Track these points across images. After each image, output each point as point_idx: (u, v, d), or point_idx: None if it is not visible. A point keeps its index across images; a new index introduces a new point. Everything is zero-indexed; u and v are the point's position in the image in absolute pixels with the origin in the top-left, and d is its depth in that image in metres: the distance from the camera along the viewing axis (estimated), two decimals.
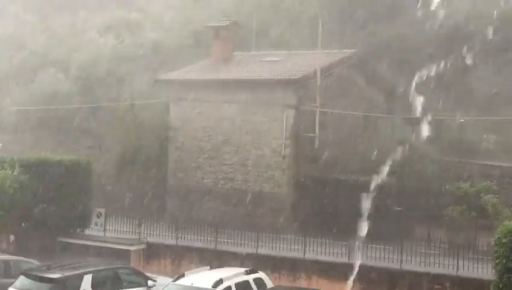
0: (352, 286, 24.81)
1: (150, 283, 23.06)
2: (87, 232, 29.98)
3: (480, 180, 29.96)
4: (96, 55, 41.09)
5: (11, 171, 27.84)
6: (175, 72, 35.67)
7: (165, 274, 25.99)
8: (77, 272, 21.67)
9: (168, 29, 42.65)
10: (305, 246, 26.34)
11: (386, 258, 25.17)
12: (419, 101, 28.49)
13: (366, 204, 27.09)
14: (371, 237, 25.29)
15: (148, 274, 24.05)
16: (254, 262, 26.16)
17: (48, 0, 49.12)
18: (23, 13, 48.04)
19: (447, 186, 30.20)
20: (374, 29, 38.48)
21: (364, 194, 27.68)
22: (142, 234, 29.14)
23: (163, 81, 35.42)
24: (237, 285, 21.56)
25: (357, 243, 25.21)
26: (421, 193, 30.02)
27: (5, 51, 44.63)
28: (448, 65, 34.49)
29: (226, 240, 28.10)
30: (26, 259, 24.44)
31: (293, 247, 26.89)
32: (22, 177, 28.01)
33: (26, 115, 39.13)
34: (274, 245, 27.25)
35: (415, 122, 31.72)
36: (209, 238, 28.27)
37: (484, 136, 34.03)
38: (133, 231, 29.59)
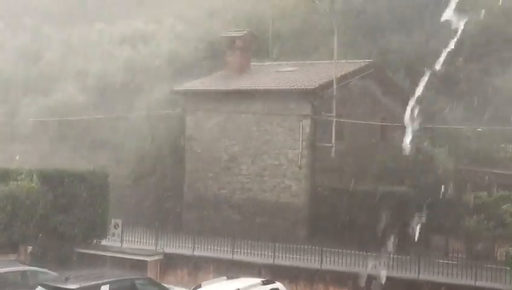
0: None
1: None
2: (104, 242, 30.00)
3: (498, 190, 29.78)
4: (112, 66, 41.29)
5: (28, 183, 27.93)
6: (191, 83, 35.77)
7: (182, 285, 25.95)
8: (94, 282, 21.64)
9: (184, 40, 42.77)
10: (322, 256, 26.24)
11: (403, 269, 25.02)
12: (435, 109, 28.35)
13: (383, 214, 26.96)
14: (386, 246, 25.13)
15: (165, 285, 24.02)
16: (271, 272, 26.06)
17: (64, 12, 49.42)
18: (40, 25, 48.32)
19: (465, 196, 30.04)
20: (390, 38, 38.41)
21: (381, 204, 27.56)
22: (159, 245, 29.15)
23: (180, 91, 35.52)
24: None
25: (373, 253, 25.08)
26: (438, 203, 29.85)
27: (22, 62, 44.89)
28: (466, 74, 34.41)
29: (242, 250, 28.04)
30: (44, 270, 24.46)
31: (310, 257, 26.79)
32: (40, 188, 28.09)
33: (43, 126, 39.32)
34: (291, 255, 27.15)
35: (432, 132, 31.60)
36: (226, 249, 28.20)
37: (502, 145, 33.83)
38: (150, 241, 29.59)
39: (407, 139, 28.32)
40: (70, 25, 47.14)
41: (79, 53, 44.01)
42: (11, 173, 28.74)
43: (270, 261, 26.95)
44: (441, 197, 30.01)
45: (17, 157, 35.71)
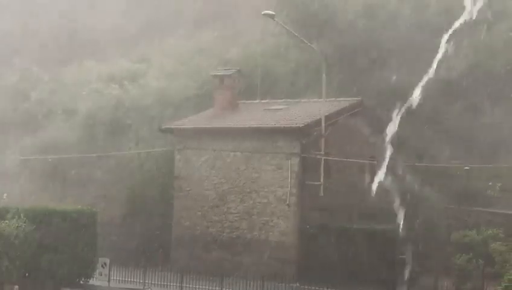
0: None
1: None
2: (91, 282, 29.78)
3: (487, 228, 29.82)
4: (101, 105, 41.32)
5: (16, 221, 27.75)
6: (180, 121, 35.82)
7: None
8: None
9: (173, 78, 42.92)
10: None
11: None
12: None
13: (371, 252, 26.94)
14: (375, 285, 25.09)
15: None
16: None
17: (52, 51, 49.58)
18: (27, 64, 48.45)
19: (453, 234, 30.05)
20: (378, 75, 38.70)
21: (369, 242, 27.54)
22: (147, 284, 28.93)
23: (168, 129, 35.55)
24: None
25: None
26: (427, 241, 29.85)
27: (10, 101, 44.93)
28: (455, 112, 34.61)
29: (231, 289, 27.88)
30: None
31: None
32: (27, 228, 27.91)
33: (30, 164, 39.22)
34: None
35: (420, 169, 31.68)
36: (214, 288, 28.05)
37: (490, 183, 33.95)
38: (138, 280, 29.36)
39: (395, 176, 28.32)
40: (59, 64, 47.27)
41: (68, 91, 44.08)
42: None
43: None
44: (429, 235, 30.04)
45: (4, 196, 35.53)
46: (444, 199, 32.43)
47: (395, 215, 27.67)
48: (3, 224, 27.35)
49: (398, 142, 34.55)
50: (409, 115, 31.04)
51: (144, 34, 48.82)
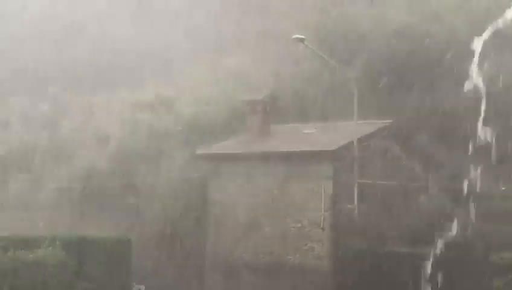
0: None
1: None
2: None
3: None
4: (133, 132, 41.56)
5: (51, 250, 27.95)
6: (212, 146, 35.93)
7: None
8: None
9: (205, 103, 43.07)
10: None
11: None
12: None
13: (407, 275, 26.66)
14: None
15: None
16: None
17: (85, 79, 50.08)
18: (61, 92, 48.97)
19: (491, 256, 29.65)
20: (410, 98, 38.52)
21: (405, 266, 27.27)
22: None
23: (201, 155, 35.65)
24: None
25: None
26: (465, 263, 29.48)
27: (43, 129, 45.37)
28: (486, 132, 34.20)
29: None
30: None
31: None
32: (63, 256, 28.10)
33: (65, 192, 39.49)
34: None
35: (456, 190, 31.37)
36: None
37: None
38: None
39: (430, 200, 28.04)
40: (92, 92, 47.70)
41: (101, 119, 44.42)
42: (35, 240, 28.81)
43: None
44: (467, 257, 29.66)
45: (40, 225, 35.83)
46: (481, 220, 32.03)
47: (432, 238, 27.39)
48: (39, 252, 27.57)
49: (434, 163, 34.36)
50: (444, 136, 30.88)
51: (175, 60, 49.14)
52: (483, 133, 31.46)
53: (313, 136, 34.39)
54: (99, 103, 46.74)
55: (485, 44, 30.32)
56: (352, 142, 32.23)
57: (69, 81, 50.02)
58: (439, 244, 28.31)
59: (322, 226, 31.74)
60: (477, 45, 30.26)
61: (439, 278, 29.04)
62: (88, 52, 51.40)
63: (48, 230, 32.96)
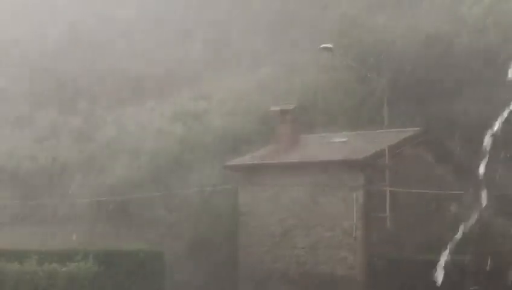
0: None
1: None
2: None
3: None
4: (164, 144, 41.80)
5: (85, 263, 28.13)
6: (243, 158, 35.94)
7: None
8: None
9: (234, 114, 43.23)
10: None
11: None
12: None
13: (443, 285, 26.37)
14: None
15: None
16: None
17: (114, 92, 50.46)
18: (91, 106, 49.42)
19: None
20: (440, 105, 38.29)
21: (439, 274, 26.98)
22: None
23: (232, 166, 35.69)
24: None
25: None
26: (498, 272, 29.14)
27: (75, 143, 45.80)
28: None
29: None
30: None
31: None
32: (96, 269, 28.26)
33: (98, 205, 39.78)
34: None
35: (494, 199, 30.98)
36: None
37: None
38: None
39: (463, 207, 27.62)
40: (123, 105, 48.07)
41: (131, 132, 44.74)
42: (68, 253, 29.03)
43: None
44: (500, 267, 29.31)
45: (74, 238, 36.10)
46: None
47: (467, 246, 27.07)
48: (72, 266, 27.76)
49: (466, 170, 33.97)
50: (473, 144, 30.53)
51: (205, 71, 49.37)
52: None
53: (343, 144, 34.27)
54: (129, 115, 47.09)
55: None
56: (384, 150, 32.07)
57: (99, 94, 50.49)
58: (474, 252, 27.99)
59: (354, 235, 31.59)
60: None
61: (472, 286, 28.74)
62: (118, 65, 51.78)
63: (80, 243, 33.17)
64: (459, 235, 25.25)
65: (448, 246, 26.08)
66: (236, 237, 34.86)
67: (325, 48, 32.81)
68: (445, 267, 26.28)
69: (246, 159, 35.64)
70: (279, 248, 33.57)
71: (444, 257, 25.61)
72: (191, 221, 37.20)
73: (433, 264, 29.68)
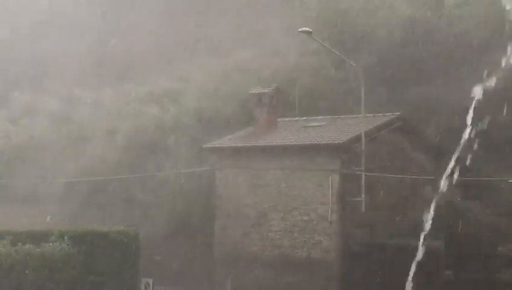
0: None
1: None
2: None
3: None
4: (141, 125, 41.57)
5: (59, 244, 27.99)
6: (220, 140, 35.89)
7: None
8: None
9: (212, 97, 43.08)
10: None
11: None
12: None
13: (416, 269, 26.53)
14: None
15: None
16: None
17: (90, 74, 50.06)
18: (67, 87, 49.01)
19: (499, 248, 29.60)
20: (418, 90, 38.42)
21: (413, 259, 27.11)
22: None
23: (209, 149, 35.65)
24: None
25: None
26: (472, 256, 29.45)
27: (51, 124, 45.44)
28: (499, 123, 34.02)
29: None
30: None
31: None
32: (70, 250, 28.13)
33: (73, 187, 39.54)
34: None
35: (465, 183, 31.19)
36: None
37: None
38: None
39: (438, 191, 27.90)
40: (98, 87, 47.71)
41: (108, 113, 44.45)
42: (43, 234, 28.85)
43: None
44: (474, 250, 29.62)
45: (48, 219, 35.88)
46: (489, 213, 31.97)
47: (439, 231, 27.29)
48: (47, 247, 27.61)
49: (441, 155, 34.17)
50: (449, 129, 30.75)
51: (182, 53, 49.12)
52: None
53: (320, 129, 34.33)
54: (106, 97, 46.78)
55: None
56: (360, 135, 32.17)
57: (76, 75, 50.08)
58: (446, 236, 28.24)
59: (329, 219, 31.72)
60: None
61: (446, 271, 29.02)
62: (94, 46, 51.40)
63: (55, 224, 32.97)
64: (429, 219, 25.42)
65: (422, 230, 26.30)
66: (213, 220, 34.88)
67: (304, 31, 32.67)
68: (419, 252, 26.47)
69: (223, 142, 35.60)
70: (255, 231, 33.64)
71: (419, 241, 25.79)
72: (167, 203, 37.11)
73: (407, 248, 30.00)
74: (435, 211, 28.95)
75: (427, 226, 27.01)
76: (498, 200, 33.02)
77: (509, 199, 33.01)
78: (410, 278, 24.99)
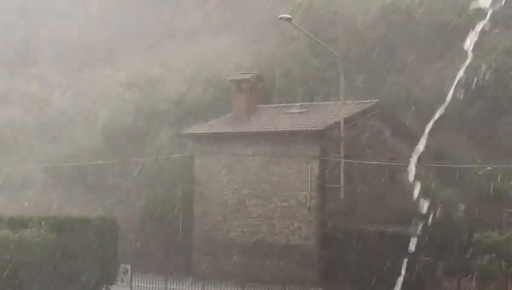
0: None
1: None
2: (113, 288, 29.83)
3: (510, 228, 29.52)
4: (120, 111, 41.40)
5: (37, 230, 27.85)
6: (199, 126, 35.86)
7: None
8: None
9: (192, 83, 42.98)
10: None
11: None
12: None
13: (394, 255, 26.74)
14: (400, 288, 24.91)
15: None
16: None
17: (70, 59, 49.79)
18: (45, 72, 48.68)
19: (476, 235, 29.78)
20: (396, 78, 38.56)
21: (391, 245, 27.35)
22: None
23: (187, 135, 35.61)
24: None
25: None
26: (449, 243, 29.62)
27: (31, 109, 45.15)
28: (476, 112, 34.27)
29: None
30: None
31: None
32: (48, 235, 28.00)
33: (52, 172, 39.37)
34: None
35: (441, 170, 31.44)
36: None
37: None
38: (160, 286, 29.38)
39: (412, 178, 28.02)
40: (77, 72, 47.46)
41: (87, 98, 44.24)
42: (20, 220, 28.70)
43: None
44: (451, 236, 29.80)
45: (26, 205, 35.70)
46: (465, 199, 32.17)
47: (417, 217, 27.47)
48: (25, 232, 27.47)
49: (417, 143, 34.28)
50: (426, 116, 30.78)
51: (162, 40, 48.94)
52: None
53: (300, 116, 34.36)
54: (85, 81, 46.53)
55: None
56: (339, 122, 32.23)
57: (55, 60, 49.78)
58: (424, 223, 28.37)
59: (308, 205, 31.81)
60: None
61: (423, 256, 29.18)
62: (74, 32, 51.08)
63: (33, 210, 32.81)
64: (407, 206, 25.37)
65: (401, 217, 26.33)
66: (191, 206, 34.88)
67: (284, 18, 32.60)
68: (396, 238, 26.61)
69: (202, 128, 35.56)
70: (234, 217, 33.69)
71: (397, 228, 25.87)
72: (146, 189, 37.05)
73: (384, 235, 30.17)
74: (413, 198, 29.22)
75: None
76: (476, 187, 33.24)
77: (486, 186, 33.24)
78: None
